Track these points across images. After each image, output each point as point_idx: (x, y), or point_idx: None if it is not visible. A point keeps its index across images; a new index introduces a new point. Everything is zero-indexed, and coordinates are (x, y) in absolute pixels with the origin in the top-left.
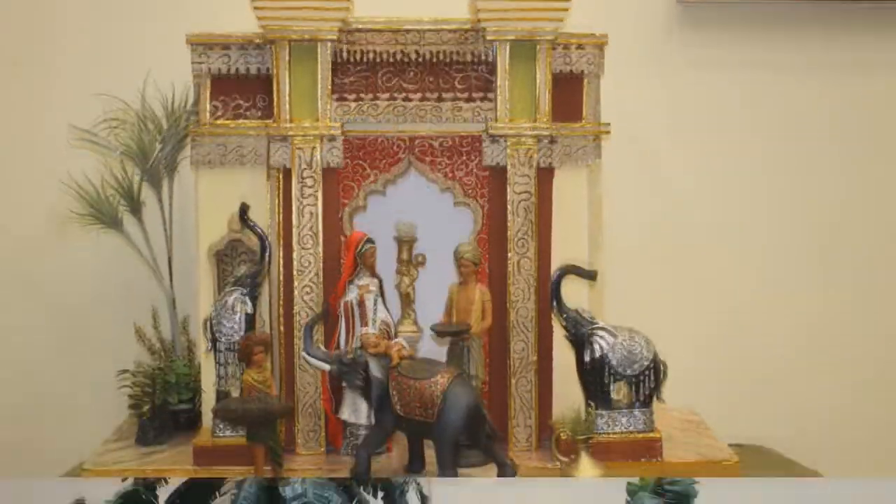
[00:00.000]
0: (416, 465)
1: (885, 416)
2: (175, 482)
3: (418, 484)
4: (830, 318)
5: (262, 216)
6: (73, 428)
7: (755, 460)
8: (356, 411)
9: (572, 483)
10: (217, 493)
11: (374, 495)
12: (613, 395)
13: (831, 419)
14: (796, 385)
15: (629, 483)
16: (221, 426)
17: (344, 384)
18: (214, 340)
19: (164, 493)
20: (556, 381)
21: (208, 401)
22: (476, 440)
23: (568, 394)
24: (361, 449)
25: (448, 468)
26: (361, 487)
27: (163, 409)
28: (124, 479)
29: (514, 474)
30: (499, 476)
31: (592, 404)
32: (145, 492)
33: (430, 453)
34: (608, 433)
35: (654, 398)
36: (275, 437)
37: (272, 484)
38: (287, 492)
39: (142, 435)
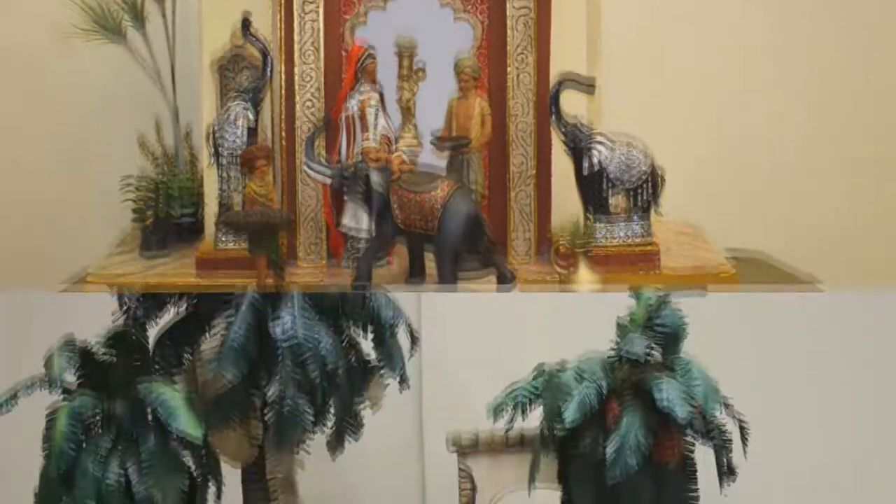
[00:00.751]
0: (416, 273)
1: (884, 226)
2: (165, 320)
3: (409, 323)
4: (830, 126)
5: (265, 29)
6: (77, 238)
7: (753, 271)
8: (357, 222)
9: (564, 295)
10: (207, 332)
11: (364, 332)
12: (612, 204)
13: (830, 229)
14: (795, 194)
15: (619, 321)
16: (224, 237)
17: (345, 196)
18: (217, 152)
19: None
20: (555, 192)
21: (211, 212)
22: (475, 250)
23: (567, 205)
24: (362, 259)
25: (448, 277)
26: (351, 323)
27: (166, 220)
28: (115, 320)
29: (513, 284)
30: (498, 286)
31: (591, 214)
32: (135, 330)
33: (430, 264)
34: (606, 243)
35: (652, 208)
36: (276, 247)
37: (261, 322)
38: (277, 331)
39: (145, 244)
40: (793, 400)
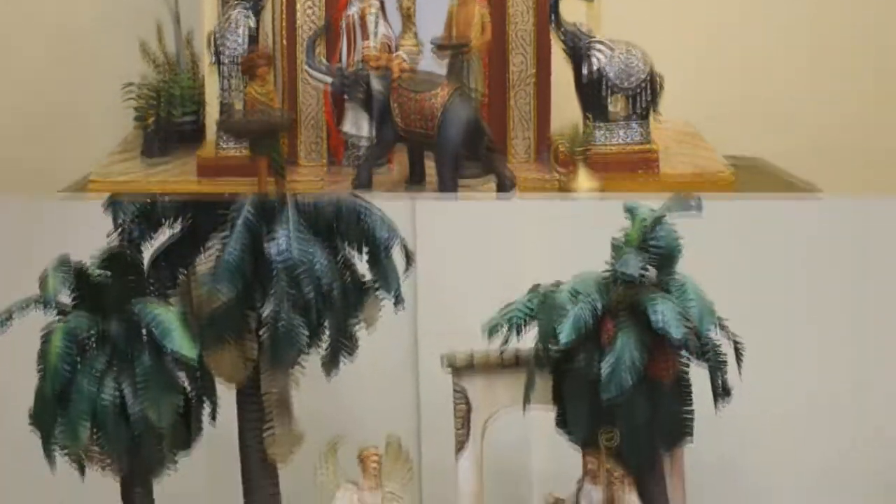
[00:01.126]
0: (416, 177)
1: (885, 132)
2: (159, 239)
3: (403, 241)
4: (831, 31)
5: None
6: (78, 142)
7: (752, 175)
8: (357, 124)
9: (561, 204)
10: (202, 251)
11: (359, 252)
12: (611, 108)
13: (831, 134)
14: (795, 98)
15: (613, 240)
16: (225, 139)
17: (346, 98)
18: (218, 55)
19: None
20: (555, 95)
21: (212, 114)
22: (476, 153)
23: (566, 108)
24: (362, 164)
25: (448, 181)
26: (346, 243)
27: (167, 123)
28: (110, 239)
29: (513, 187)
30: (498, 189)
31: (590, 117)
32: (129, 249)
33: (430, 166)
34: (605, 145)
35: (651, 111)
36: (277, 149)
37: (256, 241)
38: (272, 250)
39: (147, 147)
40: (790, 311)
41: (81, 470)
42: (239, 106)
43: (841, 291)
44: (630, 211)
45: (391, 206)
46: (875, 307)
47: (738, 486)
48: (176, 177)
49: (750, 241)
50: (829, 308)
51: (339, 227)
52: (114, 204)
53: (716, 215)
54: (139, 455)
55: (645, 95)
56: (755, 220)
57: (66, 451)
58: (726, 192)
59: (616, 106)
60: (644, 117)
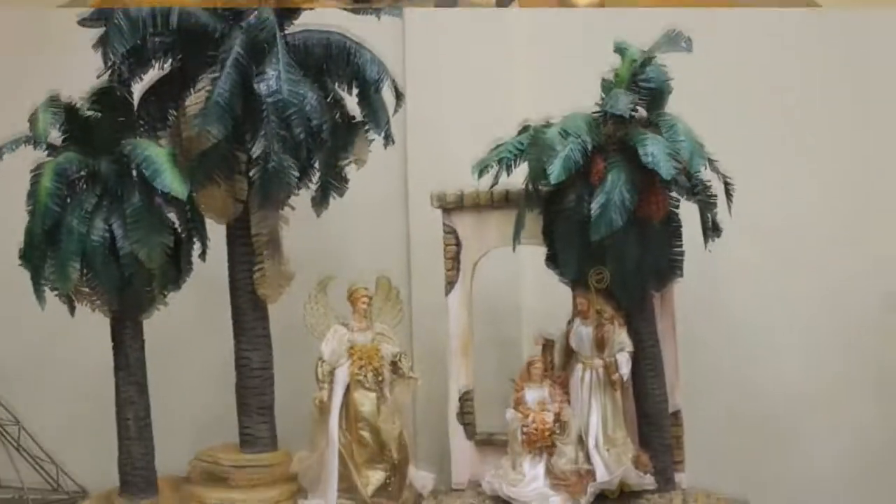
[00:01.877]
0: None
1: None
2: (148, 80)
3: (394, 80)
4: None
5: None
6: None
7: None
8: None
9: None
10: (192, 89)
11: (349, 90)
12: None
13: None
14: None
15: (603, 79)
16: None
17: None
18: None
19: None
20: None
21: None
22: None
23: None
24: None
25: None
26: (336, 81)
27: None
28: (99, 76)
29: None
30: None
31: None
32: (119, 87)
33: None
34: None
35: None
36: None
37: (246, 80)
38: (262, 88)
39: None
40: (785, 131)
41: (71, 308)
42: None
43: (838, 108)
44: (620, 50)
45: (381, 35)
46: (874, 126)
47: (732, 323)
48: None
49: (746, 53)
50: (825, 126)
51: (328, 65)
52: (104, 43)
53: (715, 27)
54: (129, 293)
55: None
56: (754, 32)
57: (55, 289)
58: (725, 4)
59: None
60: None
